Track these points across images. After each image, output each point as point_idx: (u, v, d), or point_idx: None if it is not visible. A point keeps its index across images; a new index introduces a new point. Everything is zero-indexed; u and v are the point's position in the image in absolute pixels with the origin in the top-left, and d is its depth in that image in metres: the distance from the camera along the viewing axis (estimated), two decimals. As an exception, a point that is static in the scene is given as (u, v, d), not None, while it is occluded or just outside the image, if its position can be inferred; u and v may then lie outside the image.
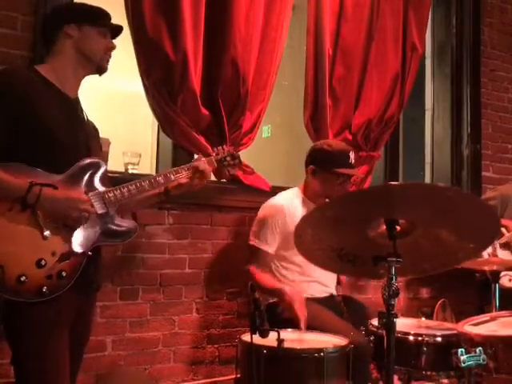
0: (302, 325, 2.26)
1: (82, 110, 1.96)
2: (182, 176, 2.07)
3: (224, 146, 2.34)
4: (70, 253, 1.76)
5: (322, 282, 2.71)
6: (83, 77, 1.96)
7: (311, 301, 2.60)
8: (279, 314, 2.52)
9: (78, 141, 1.87)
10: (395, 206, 1.66)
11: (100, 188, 1.87)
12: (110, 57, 1.97)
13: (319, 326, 2.30)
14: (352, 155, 2.69)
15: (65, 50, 1.89)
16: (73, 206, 1.75)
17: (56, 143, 1.79)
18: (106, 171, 1.93)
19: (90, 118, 2.02)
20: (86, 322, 1.97)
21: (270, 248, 2.62)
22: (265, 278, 2.57)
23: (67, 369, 1.77)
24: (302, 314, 2.29)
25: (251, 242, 2.65)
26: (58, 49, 1.90)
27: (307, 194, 2.75)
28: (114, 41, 1.99)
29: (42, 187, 1.70)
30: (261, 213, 2.71)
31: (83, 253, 1.79)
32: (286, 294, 2.39)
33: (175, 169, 2.08)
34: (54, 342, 1.75)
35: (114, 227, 1.90)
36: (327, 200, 2.70)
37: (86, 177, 1.85)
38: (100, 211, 1.84)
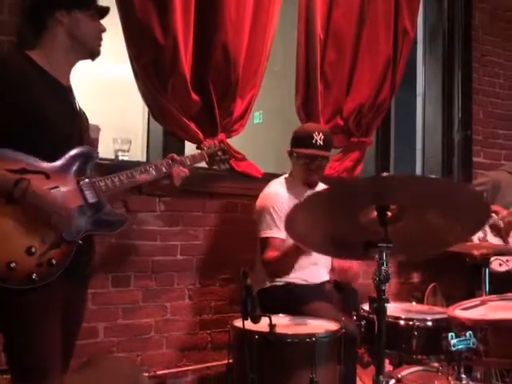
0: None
1: (74, 98, 1.94)
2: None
3: (215, 140, 2.38)
4: (61, 241, 1.75)
5: (320, 267, 2.72)
6: (75, 63, 1.93)
7: (303, 288, 2.62)
8: (273, 299, 2.53)
9: (72, 129, 1.86)
10: (386, 193, 1.67)
11: (91, 177, 1.86)
12: (101, 40, 1.94)
13: (309, 310, 2.32)
14: (318, 136, 2.64)
15: (57, 37, 1.86)
16: (55, 211, 1.73)
17: (51, 131, 1.77)
18: (97, 160, 1.93)
19: (81, 107, 2.00)
20: (78, 309, 1.97)
21: (282, 234, 2.53)
22: (275, 254, 2.53)
23: (59, 355, 1.77)
24: None
25: (265, 235, 2.58)
26: (49, 35, 1.86)
27: (294, 180, 2.75)
28: (103, 24, 1.95)
29: (30, 182, 1.68)
30: (261, 203, 2.67)
31: (74, 241, 1.78)
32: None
33: (165, 162, 2.06)
34: (46, 328, 1.74)
35: (105, 217, 1.89)
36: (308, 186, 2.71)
37: (78, 165, 1.84)
38: (91, 200, 1.83)
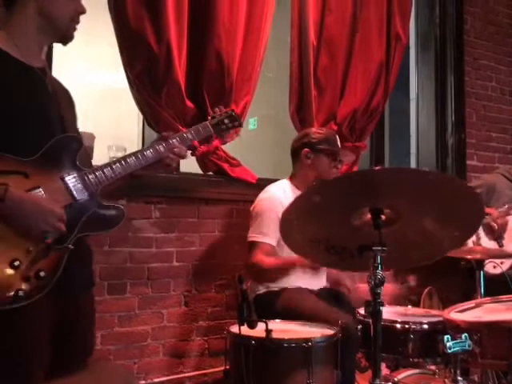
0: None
1: (50, 78, 1.72)
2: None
3: (221, 107, 2.10)
4: (48, 249, 1.52)
5: (317, 275, 2.72)
6: (45, 44, 1.72)
7: (301, 290, 2.62)
8: (269, 306, 2.54)
9: (49, 115, 1.63)
10: (379, 195, 1.67)
11: (79, 168, 1.63)
12: (77, 23, 1.70)
13: (308, 313, 2.32)
14: (337, 138, 2.84)
15: (26, 14, 1.63)
16: (42, 219, 1.49)
17: (21, 119, 1.56)
18: (85, 147, 1.71)
19: (63, 86, 1.80)
20: (84, 326, 1.71)
21: (272, 240, 2.56)
22: (272, 260, 2.56)
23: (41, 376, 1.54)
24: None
25: (252, 239, 2.60)
26: (18, 12, 1.64)
27: (297, 184, 2.75)
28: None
29: (8, 188, 1.45)
30: (257, 207, 2.67)
31: (64, 247, 1.55)
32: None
33: (163, 142, 1.83)
34: (28, 357, 1.52)
35: (101, 211, 1.65)
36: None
37: (63, 156, 1.60)
38: (80, 197, 1.60)
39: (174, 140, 1.84)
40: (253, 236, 2.61)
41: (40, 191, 1.53)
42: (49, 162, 1.57)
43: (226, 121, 2.05)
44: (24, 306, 1.46)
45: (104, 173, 1.65)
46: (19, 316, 1.47)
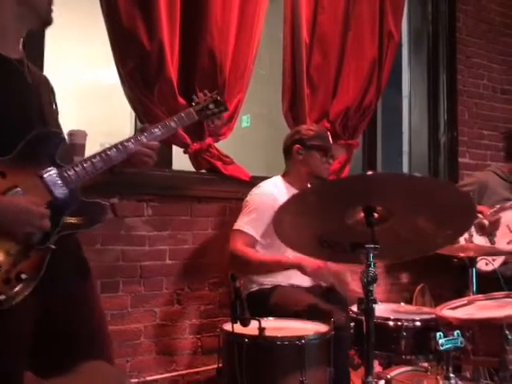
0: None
1: (29, 69, 1.64)
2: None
3: (206, 91, 2.02)
4: (29, 249, 1.46)
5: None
6: (24, 32, 1.67)
7: (293, 287, 2.62)
8: (262, 303, 2.54)
9: (30, 108, 1.57)
10: (372, 194, 1.68)
11: (58, 164, 1.56)
12: (52, 4, 1.66)
13: (301, 310, 2.33)
14: (329, 134, 2.89)
15: (2, 4, 1.58)
16: (25, 221, 1.44)
17: None
18: (65, 142, 1.65)
19: (44, 75, 1.74)
20: (87, 319, 1.65)
21: (256, 233, 2.58)
22: (257, 253, 2.56)
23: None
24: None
25: (237, 227, 2.61)
26: None
27: (290, 181, 2.76)
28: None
29: None
30: (250, 200, 2.68)
31: (46, 247, 1.50)
32: (288, 261, 2.44)
33: (146, 132, 1.77)
34: (19, 353, 1.49)
35: (82, 209, 1.60)
36: (309, 185, 2.73)
37: (41, 152, 1.53)
38: (60, 195, 1.53)
39: (155, 129, 1.78)
40: (238, 225, 2.62)
41: (18, 190, 1.47)
42: (26, 160, 1.50)
43: (211, 106, 1.98)
44: (8, 307, 1.41)
45: (84, 168, 1.59)
46: (4, 318, 1.43)
